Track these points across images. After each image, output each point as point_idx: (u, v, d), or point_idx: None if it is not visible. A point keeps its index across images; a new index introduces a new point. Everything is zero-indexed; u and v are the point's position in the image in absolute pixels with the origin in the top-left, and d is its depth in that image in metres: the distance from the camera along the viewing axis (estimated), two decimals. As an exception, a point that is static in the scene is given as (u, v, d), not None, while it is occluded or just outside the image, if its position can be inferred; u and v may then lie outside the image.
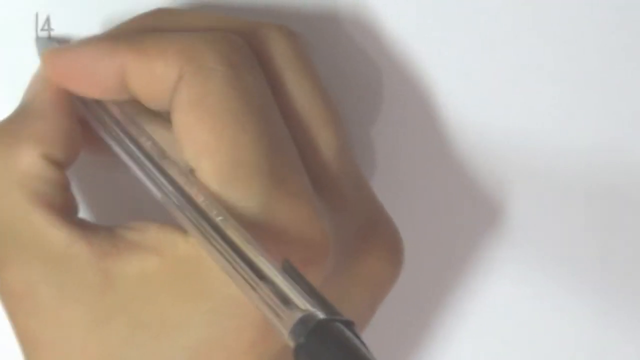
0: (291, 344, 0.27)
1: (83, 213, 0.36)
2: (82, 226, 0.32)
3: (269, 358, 0.31)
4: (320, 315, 0.27)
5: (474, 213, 0.39)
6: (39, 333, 0.32)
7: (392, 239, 0.35)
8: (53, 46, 0.36)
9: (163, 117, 0.34)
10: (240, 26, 0.34)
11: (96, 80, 0.33)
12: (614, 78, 0.38)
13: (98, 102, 0.34)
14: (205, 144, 0.31)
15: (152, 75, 0.32)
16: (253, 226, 0.30)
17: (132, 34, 0.33)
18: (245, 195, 0.31)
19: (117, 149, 0.33)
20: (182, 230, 0.31)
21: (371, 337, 0.38)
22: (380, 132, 0.38)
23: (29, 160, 0.32)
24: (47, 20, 0.36)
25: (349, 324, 0.27)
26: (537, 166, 0.39)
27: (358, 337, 0.27)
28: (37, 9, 0.36)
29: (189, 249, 0.31)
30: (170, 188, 0.31)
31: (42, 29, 0.36)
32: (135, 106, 0.34)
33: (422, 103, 0.38)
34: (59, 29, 0.36)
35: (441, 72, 0.38)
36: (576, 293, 0.40)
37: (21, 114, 0.34)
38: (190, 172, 0.31)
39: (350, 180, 0.34)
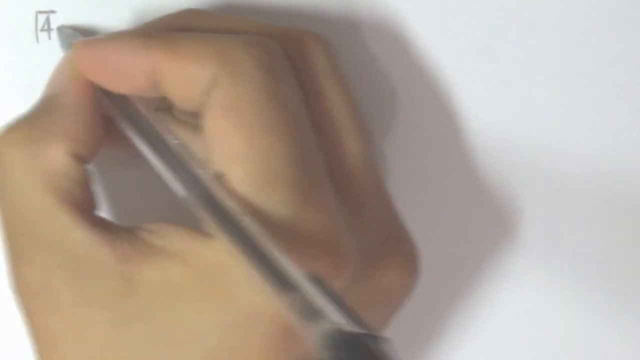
0: (322, 355, 0.27)
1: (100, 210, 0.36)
2: (104, 227, 0.32)
3: None
4: (355, 328, 0.27)
5: (487, 220, 0.39)
6: (56, 333, 0.32)
7: (411, 254, 0.35)
8: (77, 37, 0.35)
9: (186, 121, 0.34)
10: (276, 32, 0.34)
11: (128, 76, 0.32)
12: (624, 78, 0.38)
13: (125, 98, 0.33)
14: (238, 150, 0.31)
15: (186, 76, 0.31)
16: (278, 234, 0.30)
17: (165, 32, 0.33)
18: (274, 205, 0.31)
19: (143, 145, 0.32)
20: (205, 236, 0.31)
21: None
22: (394, 139, 0.38)
23: (56, 157, 0.32)
24: (47, 20, 0.36)
25: (381, 339, 0.27)
26: (553, 172, 0.39)
27: (394, 355, 0.27)
28: (37, 9, 0.36)
29: (212, 256, 0.31)
30: (200, 189, 0.31)
31: (42, 29, 0.36)
32: (154, 104, 0.34)
33: (439, 110, 0.38)
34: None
35: (459, 78, 0.38)
36: (591, 300, 0.40)
37: (47, 108, 0.33)
38: (220, 177, 0.31)
39: (374, 193, 0.34)
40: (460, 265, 0.39)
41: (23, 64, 0.36)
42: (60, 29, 0.36)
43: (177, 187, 0.31)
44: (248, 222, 0.30)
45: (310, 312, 0.28)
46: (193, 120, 0.34)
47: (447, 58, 0.38)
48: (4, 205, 0.33)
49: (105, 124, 0.34)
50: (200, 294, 0.31)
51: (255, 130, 0.31)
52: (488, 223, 0.39)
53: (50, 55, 0.36)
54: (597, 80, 0.38)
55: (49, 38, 0.36)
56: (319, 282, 0.28)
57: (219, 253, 0.31)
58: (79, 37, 0.35)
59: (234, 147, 0.31)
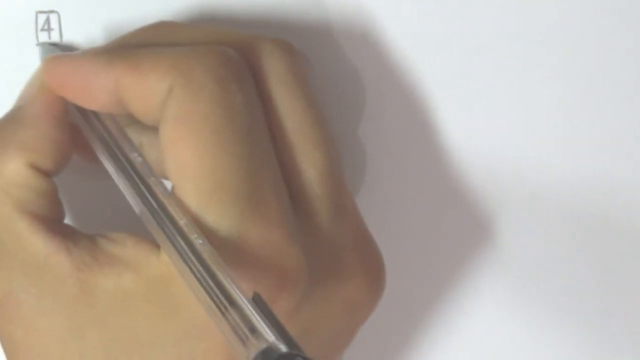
0: None
1: (67, 218, 0.36)
2: (65, 235, 0.32)
3: None
4: (283, 348, 0.27)
5: (464, 228, 0.39)
6: (19, 340, 0.32)
7: (373, 264, 0.34)
8: (55, 53, 0.36)
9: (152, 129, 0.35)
10: (239, 40, 0.33)
11: (92, 93, 0.33)
12: (613, 82, 0.38)
13: (94, 112, 0.34)
14: (186, 163, 0.31)
15: (145, 89, 0.32)
16: (227, 248, 0.30)
17: (129, 48, 0.33)
18: (221, 218, 0.31)
19: (105, 160, 0.33)
20: (157, 247, 0.31)
21: (358, 354, 0.38)
22: (369, 148, 0.38)
23: (14, 168, 0.32)
24: (47, 20, 0.36)
25: None
26: (530, 181, 0.38)
27: None
28: (37, 9, 0.36)
29: (162, 267, 0.31)
30: (153, 205, 0.31)
31: (42, 29, 0.36)
32: (129, 118, 0.34)
33: (416, 120, 0.38)
34: (59, 29, 0.36)
35: (437, 85, 0.38)
36: (568, 310, 0.39)
37: (11, 120, 0.33)
38: (172, 189, 0.31)
39: (334, 202, 0.34)
40: (436, 270, 0.39)
41: (23, 64, 0.36)
42: (42, 44, 0.36)
43: (132, 201, 0.32)
44: (194, 238, 0.30)
45: (244, 331, 0.28)
46: None
47: (421, 61, 0.38)
48: None
49: (76, 134, 0.34)
50: (151, 304, 0.31)
51: (203, 142, 0.31)
52: (464, 227, 0.39)
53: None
54: (583, 80, 0.38)
55: (49, 38, 0.36)
56: (257, 300, 0.29)
57: (168, 264, 0.31)
58: (57, 52, 0.36)
59: (183, 160, 0.31)
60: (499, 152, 0.38)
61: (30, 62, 0.36)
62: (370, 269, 0.34)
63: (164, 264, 0.31)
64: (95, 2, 0.36)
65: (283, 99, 0.33)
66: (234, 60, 0.32)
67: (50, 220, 0.33)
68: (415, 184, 0.38)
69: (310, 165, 0.33)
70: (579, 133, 0.38)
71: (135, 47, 0.33)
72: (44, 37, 0.36)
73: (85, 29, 0.36)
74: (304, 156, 0.33)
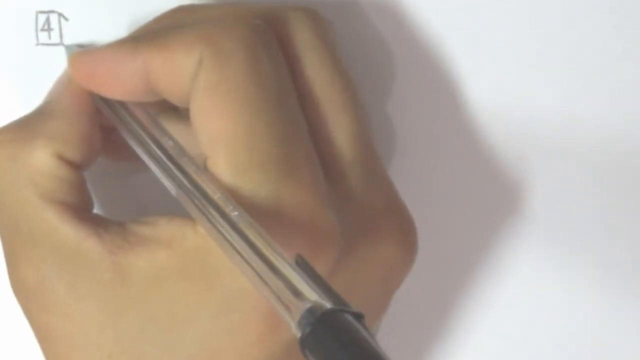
0: (298, 334, 0.27)
1: (98, 211, 0.36)
2: (94, 222, 0.32)
3: (278, 350, 0.31)
4: (328, 305, 0.27)
5: (494, 199, 0.39)
6: (54, 328, 0.32)
7: (405, 227, 0.34)
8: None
9: (184, 116, 0.35)
10: (263, 10, 0.34)
11: (120, 81, 0.33)
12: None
13: (121, 103, 0.34)
14: (219, 131, 0.31)
15: (174, 66, 0.32)
16: (263, 214, 0.30)
17: (152, 31, 0.33)
18: (256, 183, 0.31)
19: (137, 147, 0.33)
20: (192, 221, 0.31)
21: (391, 325, 0.38)
22: (398, 115, 0.38)
23: (42, 158, 0.32)
24: (47, 20, 0.36)
25: (357, 316, 0.27)
26: (560, 150, 0.38)
27: (366, 329, 0.27)
28: (37, 9, 0.36)
29: (198, 240, 0.31)
30: (187, 184, 0.31)
31: (42, 29, 0.36)
32: (158, 107, 0.34)
33: (443, 87, 0.38)
34: (59, 29, 0.36)
35: (462, 55, 0.38)
36: (600, 280, 0.39)
37: (39, 113, 0.33)
38: (204, 161, 0.31)
39: (365, 166, 0.34)
40: (465, 242, 0.39)
41: (23, 64, 0.36)
42: (67, 47, 0.36)
43: (168, 184, 0.32)
44: (230, 211, 0.30)
45: (289, 295, 0.28)
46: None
47: (447, 31, 0.38)
48: None
49: (105, 134, 0.34)
50: (188, 278, 0.31)
51: (236, 110, 0.31)
52: (495, 204, 0.39)
53: (50, 56, 0.36)
54: (610, 56, 0.38)
55: (49, 38, 0.36)
56: (300, 262, 0.29)
57: (204, 236, 0.31)
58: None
59: (216, 129, 0.31)
60: (528, 115, 0.38)
61: (30, 62, 0.36)
62: (402, 232, 0.34)
63: (199, 236, 0.31)
64: (95, 2, 0.36)
65: (312, 65, 0.34)
66: (261, 29, 0.32)
67: (79, 208, 0.33)
68: (444, 151, 0.38)
69: (340, 130, 0.34)
70: (617, 98, 0.38)
71: (159, 29, 0.33)
72: (44, 37, 0.36)
73: (86, 29, 0.36)
74: (334, 122, 0.34)
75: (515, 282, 0.39)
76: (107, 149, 0.35)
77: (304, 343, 0.27)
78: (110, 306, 0.32)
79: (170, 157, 0.32)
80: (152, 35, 0.32)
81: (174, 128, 0.34)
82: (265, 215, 0.30)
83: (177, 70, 0.32)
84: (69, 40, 0.36)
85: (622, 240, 0.39)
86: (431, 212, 0.38)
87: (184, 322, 0.31)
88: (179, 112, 0.35)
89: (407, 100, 0.38)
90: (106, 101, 0.34)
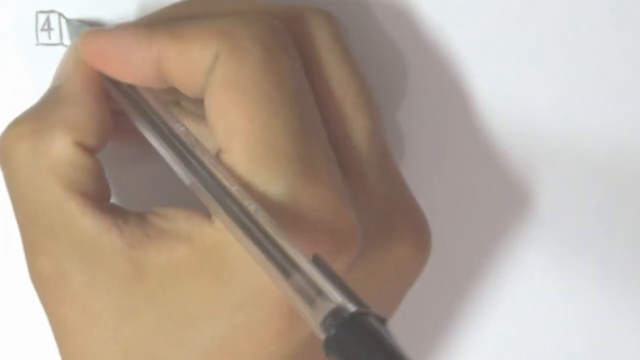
0: (321, 335, 0.27)
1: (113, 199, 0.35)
2: (114, 213, 0.32)
3: (296, 346, 0.31)
4: (352, 308, 0.27)
5: (502, 200, 0.39)
6: (70, 320, 0.32)
7: (419, 226, 0.34)
8: (84, 29, 0.35)
9: (194, 112, 0.35)
10: (281, 10, 0.34)
11: (133, 65, 0.32)
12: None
13: (131, 87, 0.33)
14: (237, 126, 0.31)
15: (189, 59, 0.32)
16: (279, 212, 0.30)
17: (168, 20, 0.33)
18: (273, 180, 0.31)
19: (149, 133, 0.33)
20: (210, 216, 0.31)
21: (399, 323, 0.38)
22: (408, 116, 0.38)
23: (62, 147, 0.32)
24: (47, 20, 0.36)
25: (381, 320, 0.27)
26: (568, 151, 0.38)
27: (389, 333, 0.27)
28: (37, 9, 0.36)
29: (216, 236, 0.31)
30: (204, 175, 0.31)
31: (42, 29, 0.36)
32: (166, 97, 0.34)
33: (453, 86, 0.38)
34: (59, 29, 0.36)
35: (472, 55, 0.38)
36: (606, 280, 0.39)
37: (52, 99, 0.33)
38: (220, 155, 0.31)
39: (381, 165, 0.34)
40: (472, 243, 0.39)
41: (23, 64, 0.36)
42: (70, 21, 0.36)
43: (181, 172, 0.32)
44: (248, 204, 0.30)
45: (310, 293, 0.28)
46: (199, 110, 0.34)
47: (458, 33, 0.38)
48: (15, 198, 0.33)
49: (115, 119, 0.34)
50: (206, 274, 0.31)
51: (253, 106, 0.31)
52: (501, 200, 0.39)
53: (50, 56, 0.36)
54: (623, 55, 0.38)
55: (49, 38, 0.36)
56: (318, 262, 0.29)
57: (223, 232, 0.31)
58: (86, 28, 0.35)
59: (233, 123, 0.31)
60: (538, 118, 0.38)
61: (30, 62, 0.36)
62: (417, 231, 0.34)
63: (217, 232, 0.31)
64: (96, 2, 0.36)
65: (329, 66, 0.34)
66: (278, 28, 0.32)
67: (99, 198, 0.32)
68: (453, 152, 0.39)
69: (356, 129, 0.34)
70: (626, 98, 0.38)
71: (173, 18, 0.33)
72: (44, 37, 0.36)
73: (85, 29, 0.36)
74: (350, 121, 0.34)
75: (522, 283, 0.40)
76: (119, 132, 0.34)
77: (329, 345, 0.27)
78: (127, 301, 0.31)
79: (184, 145, 0.32)
80: (168, 25, 0.32)
81: (182, 119, 0.34)
82: (281, 213, 0.30)
83: (193, 63, 0.31)
84: (69, 40, 0.36)
85: (628, 241, 0.39)
86: (440, 213, 0.38)
87: (201, 318, 0.31)
88: (181, 106, 0.35)
89: (417, 102, 0.38)
90: (115, 84, 0.33)
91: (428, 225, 0.35)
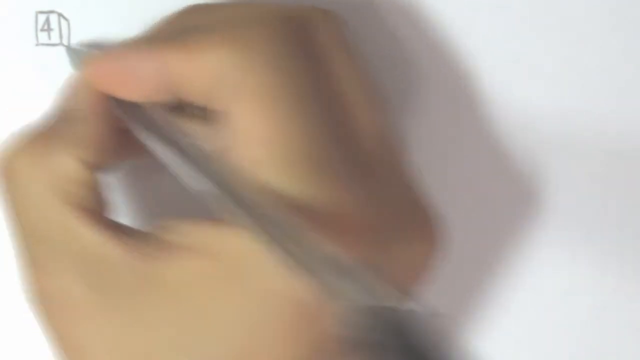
0: (352, 332, 0.27)
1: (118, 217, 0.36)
2: (118, 229, 0.32)
3: (313, 351, 0.31)
4: (396, 305, 0.27)
5: (512, 198, 0.39)
6: (82, 340, 0.31)
7: (432, 225, 0.34)
8: (84, 53, 0.36)
9: (199, 115, 0.34)
10: (287, 12, 0.33)
11: (139, 81, 0.32)
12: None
13: (137, 106, 0.33)
14: (250, 131, 0.31)
15: (197, 68, 0.31)
16: (302, 213, 0.30)
17: (171, 32, 0.33)
18: (294, 183, 0.30)
19: (159, 148, 0.32)
20: (221, 226, 0.31)
21: None
22: (414, 115, 0.38)
23: (65, 164, 0.32)
24: (47, 20, 0.36)
25: (426, 314, 0.27)
26: (577, 148, 0.38)
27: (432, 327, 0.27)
28: (37, 9, 0.36)
29: (231, 246, 0.31)
30: (224, 183, 0.31)
31: (42, 29, 0.36)
32: (169, 108, 0.34)
33: (460, 85, 0.38)
34: (58, 29, 0.36)
35: (479, 53, 0.38)
36: (617, 274, 0.39)
37: (56, 118, 0.33)
38: (232, 159, 0.31)
39: (390, 166, 0.34)
40: (485, 237, 0.39)
41: (23, 64, 0.36)
42: (69, 49, 0.36)
43: (196, 183, 0.31)
44: (269, 207, 0.30)
45: (334, 291, 0.28)
46: (204, 113, 0.34)
47: (465, 31, 0.38)
48: (19, 216, 0.32)
49: (121, 137, 0.33)
50: (222, 285, 0.31)
51: (268, 109, 0.31)
52: (511, 198, 0.39)
53: (50, 56, 0.36)
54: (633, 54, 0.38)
55: (49, 38, 0.36)
56: (341, 260, 0.29)
57: (237, 242, 0.30)
58: (86, 52, 0.36)
59: (246, 129, 0.31)
60: (548, 114, 0.38)
61: (30, 62, 0.36)
62: (428, 226, 0.34)
63: (232, 242, 0.31)
64: (96, 2, 0.36)
65: (339, 65, 0.33)
66: (286, 29, 0.32)
67: (102, 215, 0.32)
68: (460, 150, 0.38)
69: (367, 126, 0.33)
70: (634, 95, 0.38)
71: (175, 31, 0.33)
72: (44, 37, 0.36)
73: (86, 29, 0.36)
74: (362, 119, 0.33)
75: (531, 279, 0.39)
76: (126, 150, 0.34)
77: (372, 346, 0.27)
78: (133, 315, 0.31)
79: (198, 155, 0.31)
80: (173, 36, 0.32)
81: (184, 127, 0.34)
82: (304, 214, 0.30)
83: (203, 71, 0.31)
84: (67, 40, 0.36)
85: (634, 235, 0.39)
86: (448, 211, 0.38)
87: (216, 330, 0.31)
88: (184, 111, 0.35)
89: (424, 101, 0.38)
90: (120, 103, 0.33)
91: (440, 223, 0.34)
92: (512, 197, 0.39)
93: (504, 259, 0.40)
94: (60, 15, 0.36)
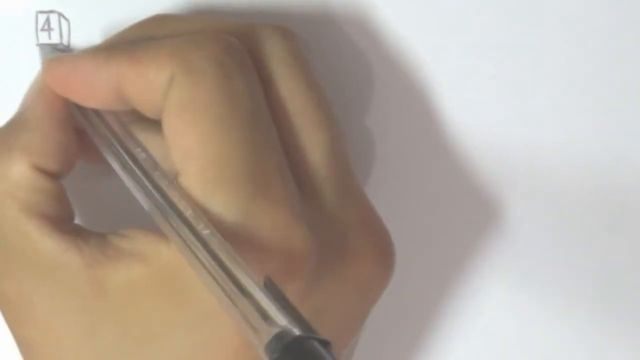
0: (266, 359, 0.27)
1: (78, 220, 0.36)
2: (75, 234, 0.32)
3: None
4: (296, 332, 0.27)
5: (472, 213, 0.39)
6: (34, 341, 0.32)
7: (382, 242, 0.34)
8: (55, 54, 0.36)
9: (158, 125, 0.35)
10: (237, 27, 0.34)
11: (93, 90, 0.33)
12: (616, 79, 0.38)
13: (95, 111, 0.34)
14: (190, 149, 0.31)
15: (146, 81, 0.32)
16: (234, 234, 0.30)
17: (127, 43, 0.33)
18: (226, 202, 0.31)
19: (110, 158, 0.33)
20: (166, 237, 0.31)
21: (368, 338, 0.38)
22: (375, 130, 0.38)
23: (19, 171, 0.32)
24: (47, 20, 0.36)
25: (325, 343, 0.27)
26: (537, 167, 0.39)
27: (333, 357, 0.27)
28: (37, 9, 0.36)
29: (172, 256, 0.31)
30: (159, 199, 0.31)
31: (42, 29, 0.36)
32: (132, 115, 0.34)
33: (419, 102, 0.38)
34: (58, 29, 0.36)
35: (437, 71, 0.38)
36: (576, 295, 0.39)
37: (14, 124, 0.34)
38: (176, 178, 0.31)
39: (340, 183, 0.34)
40: (445, 261, 0.39)
41: (23, 64, 0.36)
42: (42, 46, 0.36)
43: (139, 198, 0.32)
44: (201, 229, 0.30)
45: (256, 318, 0.28)
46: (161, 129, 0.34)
47: (422, 43, 0.38)
48: None
49: (81, 137, 0.34)
50: (162, 294, 0.31)
51: (207, 128, 0.31)
52: (473, 218, 0.39)
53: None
54: (584, 76, 0.38)
55: (49, 38, 0.36)
56: (269, 284, 0.29)
57: (177, 253, 0.31)
58: (53, 53, 0.36)
59: (187, 146, 0.31)
60: (506, 137, 0.38)
61: (30, 62, 0.36)
62: (379, 247, 0.34)
63: (172, 253, 0.31)
64: (95, 2, 0.36)
65: (285, 82, 0.34)
66: (234, 46, 0.32)
67: (59, 220, 0.33)
68: (421, 165, 0.38)
69: (314, 147, 0.34)
70: (591, 115, 0.38)
71: (133, 41, 0.33)
72: (44, 37, 0.36)
73: (85, 29, 0.36)
74: (308, 138, 0.34)
75: (491, 297, 0.40)
76: (83, 150, 0.35)
77: None
78: (88, 320, 0.32)
79: (142, 170, 0.32)
80: (125, 47, 0.33)
81: (147, 137, 0.34)
82: (236, 235, 0.30)
83: (149, 85, 0.32)
84: (67, 40, 0.36)
85: (599, 256, 0.39)
86: (409, 227, 0.38)
87: (159, 336, 0.31)
88: (152, 121, 0.35)
89: (383, 115, 0.38)
90: (80, 108, 0.34)
91: (391, 244, 0.34)
92: (472, 216, 0.39)
93: (461, 277, 0.40)
94: (60, 15, 0.36)
